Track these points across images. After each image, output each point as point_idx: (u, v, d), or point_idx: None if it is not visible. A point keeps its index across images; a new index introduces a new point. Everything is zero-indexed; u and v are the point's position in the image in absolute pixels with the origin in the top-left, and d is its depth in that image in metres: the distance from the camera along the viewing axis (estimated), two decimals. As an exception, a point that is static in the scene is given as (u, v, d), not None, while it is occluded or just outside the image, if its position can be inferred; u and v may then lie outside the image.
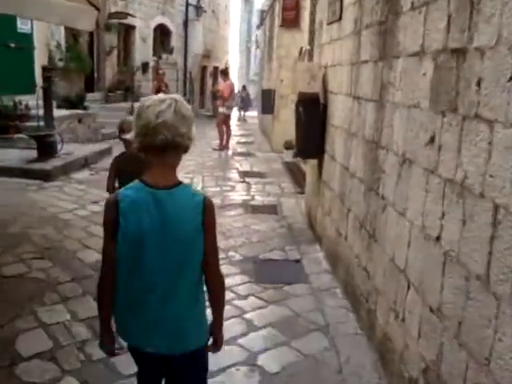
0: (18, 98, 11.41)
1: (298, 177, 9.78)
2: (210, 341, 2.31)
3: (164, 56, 22.22)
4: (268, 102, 13.27)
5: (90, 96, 16.00)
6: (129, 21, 18.24)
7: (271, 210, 7.54)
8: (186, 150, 2.05)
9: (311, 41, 10.02)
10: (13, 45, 12.32)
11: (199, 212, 2.04)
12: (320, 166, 5.94)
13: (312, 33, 10.10)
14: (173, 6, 22.87)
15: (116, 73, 17.94)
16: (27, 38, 12.89)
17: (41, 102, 9.86)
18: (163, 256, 2.02)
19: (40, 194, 7.90)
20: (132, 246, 2.01)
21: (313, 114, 5.67)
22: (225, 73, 14.11)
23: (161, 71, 15.47)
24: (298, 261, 5.57)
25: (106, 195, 7.53)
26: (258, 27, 33.30)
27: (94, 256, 5.44)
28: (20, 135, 10.09)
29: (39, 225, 6.40)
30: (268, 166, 11.17)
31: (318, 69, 5.83)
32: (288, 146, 11.89)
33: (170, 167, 2.06)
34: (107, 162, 10.46)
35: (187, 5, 24.09)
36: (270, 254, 5.75)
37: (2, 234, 6.06)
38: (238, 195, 8.36)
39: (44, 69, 9.56)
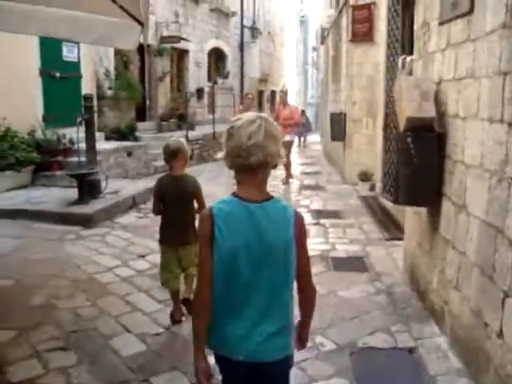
0: (61, 132, 10.38)
1: (380, 216, 8.20)
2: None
3: (219, 81, 21.15)
4: (338, 127, 11.70)
5: (141, 126, 15.00)
6: (182, 45, 17.22)
7: (358, 264, 5.96)
8: (275, 166, 2.11)
9: (391, 55, 8.53)
10: (58, 74, 11.37)
11: (291, 224, 2.08)
12: (436, 214, 4.38)
13: (391, 46, 8.61)
14: (227, 29, 21.85)
15: (169, 100, 16.88)
16: (74, 66, 11.94)
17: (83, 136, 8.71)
18: (258, 268, 2.04)
19: (78, 246, 6.64)
20: (227, 259, 2.02)
21: (426, 146, 4.13)
22: (286, 95, 12.64)
23: (250, 95, 13.94)
24: (411, 350, 3.99)
25: (155, 246, 6.24)
26: (315, 48, 32.07)
27: (135, 345, 4.05)
28: (62, 172, 8.97)
29: (70, 292, 5.10)
30: (343, 202, 9.50)
31: (429, 85, 4.30)
32: (364, 177, 10.34)
33: (261, 182, 2.10)
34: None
35: (242, 27, 23.03)
36: (370, 338, 4.17)
37: (22, 306, 4.78)
38: (315, 243, 6.75)
39: (85, 98, 8.38)
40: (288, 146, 11.45)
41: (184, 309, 4.41)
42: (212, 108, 16.95)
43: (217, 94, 18.98)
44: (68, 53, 11.74)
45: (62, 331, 4.27)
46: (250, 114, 2.06)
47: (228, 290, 2.06)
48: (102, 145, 11.24)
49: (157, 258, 5.52)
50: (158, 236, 4.45)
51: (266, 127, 2.00)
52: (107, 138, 12.78)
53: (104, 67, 13.34)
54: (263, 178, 2.09)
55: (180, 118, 16.48)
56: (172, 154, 4.12)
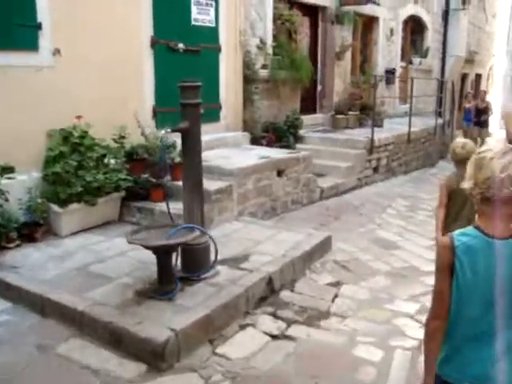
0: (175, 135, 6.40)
1: None
2: None
3: (415, 60, 16.09)
4: None
5: (308, 120, 10.74)
6: (369, 10, 12.57)
7: None
8: None
9: None
10: (181, 46, 7.47)
11: None
12: None
13: None
14: (430, -9, 16.57)
15: (348, 85, 12.36)
16: (208, 34, 7.94)
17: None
18: (491, 308, 1.91)
19: None
20: (463, 292, 1.94)
21: None
22: None
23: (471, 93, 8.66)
24: None
25: None
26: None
27: None
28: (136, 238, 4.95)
29: None
30: None
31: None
32: None
33: (508, 217, 1.93)
34: (324, 280, 4.20)
35: (449, -11, 17.53)
36: None
37: None
38: None
39: (182, 87, 4.18)
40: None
41: None
42: (410, 98, 12.01)
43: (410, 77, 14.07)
44: (200, 14, 7.75)
45: None
46: (502, 146, 1.97)
47: (456, 325, 1.98)
48: (238, 157, 7.16)
49: None
50: None
51: None
52: (254, 140, 8.71)
53: (257, 36, 9.22)
54: (511, 212, 1.93)
55: (363, 110, 11.91)
56: (459, 161, 3.92)
